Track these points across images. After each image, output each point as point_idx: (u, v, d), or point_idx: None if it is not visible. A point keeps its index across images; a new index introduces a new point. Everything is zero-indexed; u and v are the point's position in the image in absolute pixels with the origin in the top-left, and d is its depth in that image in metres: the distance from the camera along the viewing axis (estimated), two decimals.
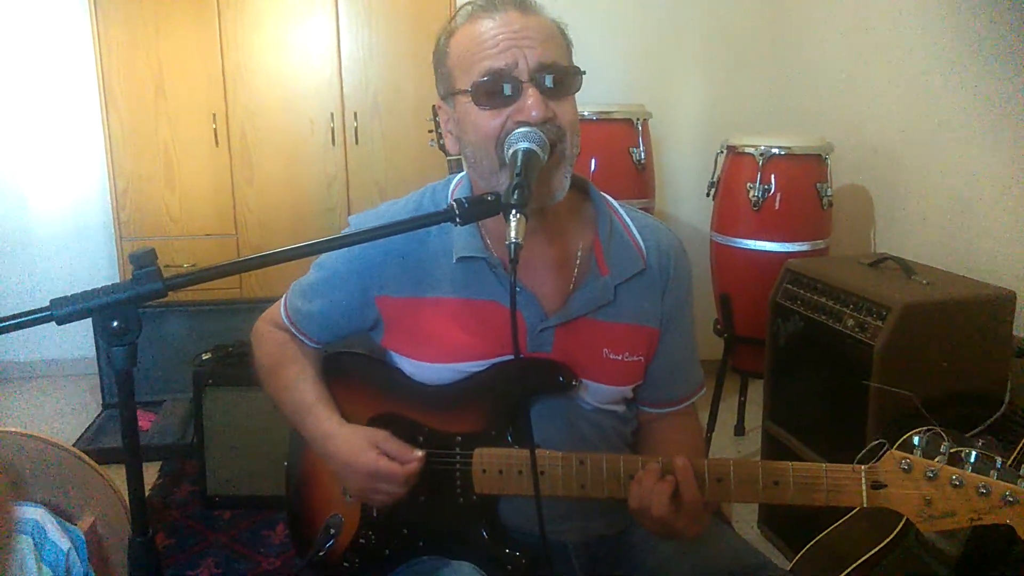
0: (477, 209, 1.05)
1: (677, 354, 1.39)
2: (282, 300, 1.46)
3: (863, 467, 1.12)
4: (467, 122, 1.21)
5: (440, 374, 1.32)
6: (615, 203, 1.38)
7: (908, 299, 2.04)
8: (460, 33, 1.22)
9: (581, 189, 1.36)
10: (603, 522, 1.38)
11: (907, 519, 1.11)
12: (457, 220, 1.04)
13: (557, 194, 1.21)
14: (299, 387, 1.39)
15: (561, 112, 1.18)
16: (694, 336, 1.43)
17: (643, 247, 1.34)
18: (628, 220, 1.36)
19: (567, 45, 1.24)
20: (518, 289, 1.24)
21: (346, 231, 1.32)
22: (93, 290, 0.83)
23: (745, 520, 2.70)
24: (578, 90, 1.23)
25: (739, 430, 3.33)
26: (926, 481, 1.09)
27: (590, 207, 1.35)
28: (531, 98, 1.15)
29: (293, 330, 1.44)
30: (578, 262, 1.31)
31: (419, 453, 1.25)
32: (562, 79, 1.18)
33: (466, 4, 1.23)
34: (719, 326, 3.11)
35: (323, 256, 1.40)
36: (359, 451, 1.26)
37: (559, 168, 1.19)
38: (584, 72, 1.23)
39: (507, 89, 1.16)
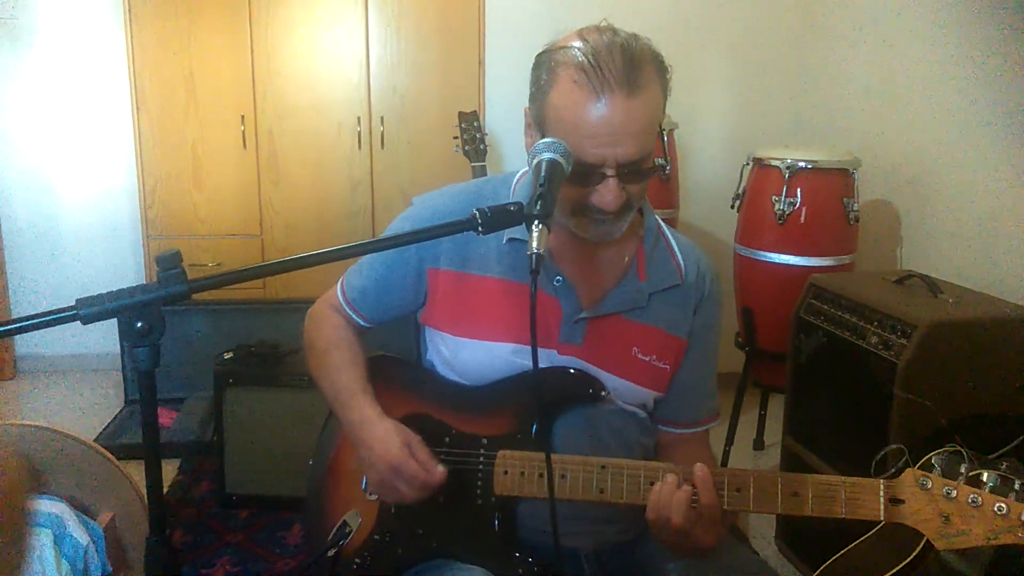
0: (501, 219, 1.05)
1: (698, 373, 1.41)
2: (339, 282, 1.50)
3: (882, 481, 1.14)
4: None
5: (472, 352, 1.35)
6: (663, 224, 1.43)
7: (933, 317, 2.02)
8: (565, 84, 1.17)
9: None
10: (616, 528, 1.39)
11: (927, 540, 1.11)
12: (480, 230, 1.04)
13: (615, 235, 1.28)
14: (348, 372, 1.41)
15: (633, 191, 1.22)
16: (716, 364, 1.46)
17: (683, 265, 1.39)
18: (672, 240, 1.41)
19: (662, 109, 1.22)
20: (559, 279, 1.32)
21: (409, 210, 1.41)
22: (118, 290, 0.84)
23: (762, 535, 2.67)
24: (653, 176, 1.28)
25: (758, 445, 3.31)
26: (944, 499, 1.10)
27: (641, 221, 1.39)
28: (611, 192, 1.19)
29: (347, 309, 1.47)
30: (621, 266, 1.36)
31: (441, 469, 1.27)
32: (644, 170, 1.21)
33: (576, 52, 1.17)
34: (740, 339, 3.09)
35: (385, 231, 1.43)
36: (391, 444, 1.28)
37: (623, 219, 1.25)
38: (667, 166, 1.25)
39: (589, 178, 1.19)
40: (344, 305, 1.47)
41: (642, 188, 1.25)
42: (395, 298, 1.43)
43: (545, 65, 1.22)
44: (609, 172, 1.18)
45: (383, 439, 1.29)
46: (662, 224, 1.42)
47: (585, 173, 1.18)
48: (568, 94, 1.17)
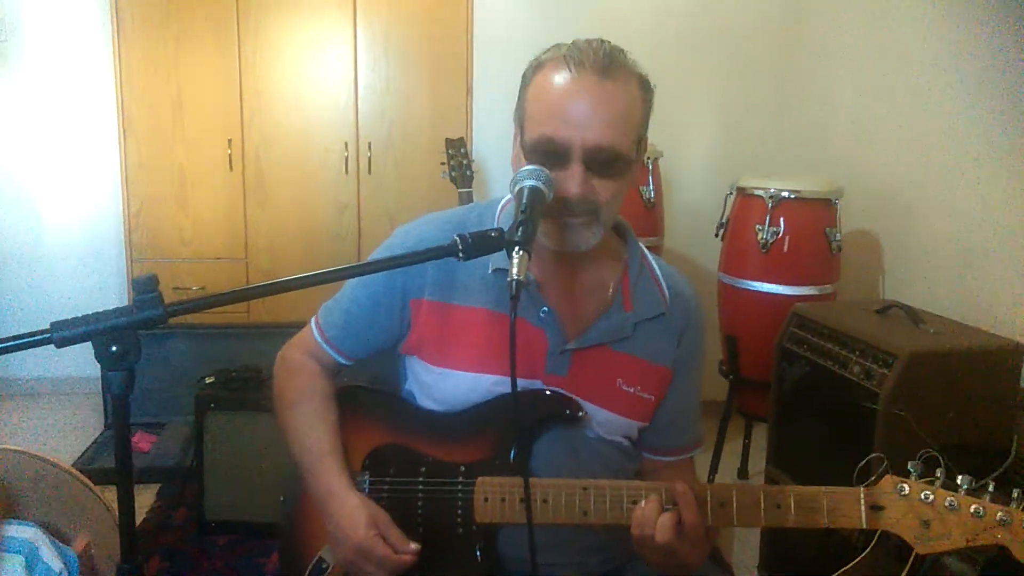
0: (481, 245, 1.05)
1: (682, 402, 1.41)
2: (312, 321, 1.45)
3: (862, 489, 1.16)
4: (518, 162, 1.24)
5: (455, 383, 1.32)
6: (646, 251, 1.42)
7: (915, 347, 2.03)
8: (544, 72, 1.22)
9: (618, 229, 1.41)
10: (600, 558, 1.38)
11: (912, 563, 1.13)
12: (460, 255, 1.04)
13: (579, 247, 1.25)
14: (316, 430, 1.36)
15: (603, 189, 1.21)
16: (700, 391, 1.46)
17: (667, 294, 1.38)
18: (656, 268, 1.41)
19: (640, 116, 1.24)
20: (544, 309, 1.30)
21: (391, 239, 1.39)
22: (94, 314, 0.84)
23: (745, 566, 2.66)
24: (627, 174, 1.24)
25: (742, 473, 3.30)
26: (922, 504, 1.13)
27: (624, 247, 1.39)
28: (574, 177, 1.18)
29: (326, 347, 1.41)
30: (606, 295, 1.35)
31: (414, 547, 1.24)
32: (611, 164, 1.20)
33: (559, 48, 1.23)
34: (724, 367, 3.09)
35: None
36: (358, 524, 1.24)
37: (590, 227, 1.23)
38: (634, 160, 1.24)
39: (556, 161, 1.18)
40: (323, 344, 1.42)
41: (612, 192, 1.22)
42: (380, 331, 1.39)
43: (532, 64, 1.26)
44: (575, 156, 1.18)
45: (349, 517, 1.25)
46: (646, 252, 1.42)
47: (551, 157, 1.18)
48: (545, 79, 1.21)
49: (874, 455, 1.83)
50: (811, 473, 2.34)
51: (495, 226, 1.22)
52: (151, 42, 3.51)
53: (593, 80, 1.17)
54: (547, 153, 1.19)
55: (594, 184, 1.19)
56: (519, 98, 1.28)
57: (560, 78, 1.19)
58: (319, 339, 1.42)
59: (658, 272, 1.40)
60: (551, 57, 1.22)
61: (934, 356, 2.05)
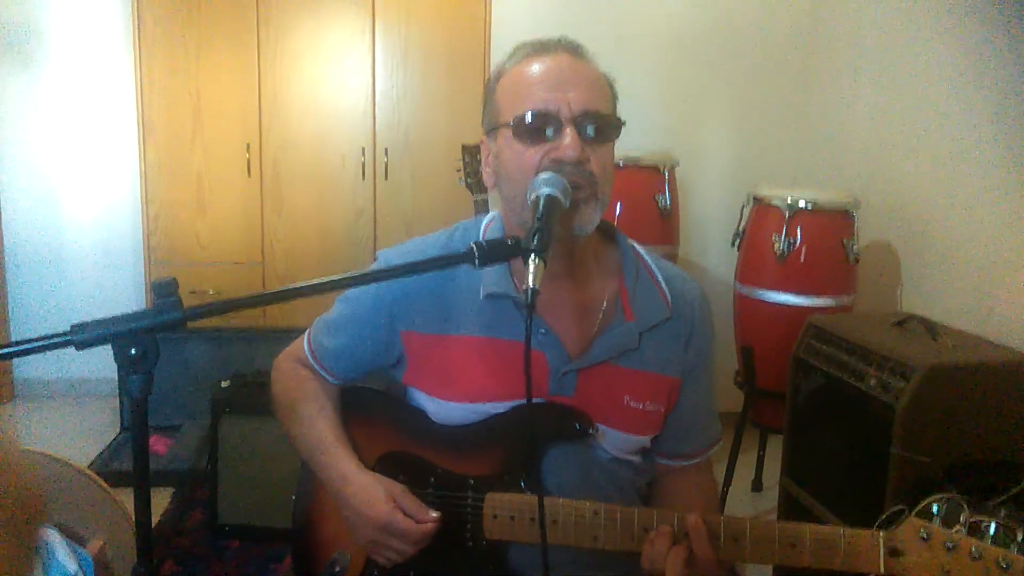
0: (497, 252, 1.05)
1: (696, 407, 1.38)
2: (305, 336, 1.45)
3: (881, 533, 1.11)
4: (505, 156, 1.23)
5: (460, 414, 1.31)
6: (642, 251, 1.38)
7: (933, 361, 2.01)
8: (512, 72, 1.25)
9: (608, 235, 1.37)
10: (612, 574, 1.36)
11: None
12: (476, 262, 1.04)
13: (584, 228, 1.22)
14: (318, 425, 1.37)
15: (596, 157, 1.19)
16: (714, 390, 1.42)
17: (668, 296, 1.34)
18: (655, 268, 1.36)
19: (612, 97, 1.26)
20: (543, 331, 1.27)
21: (374, 265, 1.34)
22: (113, 317, 0.84)
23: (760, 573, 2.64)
24: (616, 139, 1.25)
25: (756, 485, 3.28)
26: (944, 551, 1.07)
27: (617, 253, 1.35)
28: (569, 138, 1.17)
29: (316, 366, 1.42)
30: (604, 307, 1.31)
31: (435, 515, 1.24)
32: (602, 126, 1.20)
33: (522, 46, 1.26)
34: (740, 378, 3.07)
35: (349, 290, 1.40)
36: (375, 500, 1.24)
37: (587, 205, 1.20)
38: (624, 123, 1.25)
39: (548, 128, 1.18)
40: (312, 362, 1.42)
41: (603, 161, 1.20)
42: (366, 360, 1.38)
43: (493, 75, 1.29)
44: (565, 117, 1.18)
45: (365, 496, 1.25)
46: (641, 252, 1.37)
47: (541, 125, 1.18)
48: (516, 71, 1.24)
49: (894, 508, 1.80)
50: (826, 486, 2.33)
51: None
52: (171, 48, 3.54)
53: (566, 57, 1.22)
54: (537, 128, 1.19)
55: (587, 151, 1.19)
56: (487, 106, 1.28)
57: (533, 62, 1.22)
58: (309, 357, 1.43)
59: (658, 275, 1.35)
60: (514, 60, 1.26)
61: (952, 370, 2.03)
